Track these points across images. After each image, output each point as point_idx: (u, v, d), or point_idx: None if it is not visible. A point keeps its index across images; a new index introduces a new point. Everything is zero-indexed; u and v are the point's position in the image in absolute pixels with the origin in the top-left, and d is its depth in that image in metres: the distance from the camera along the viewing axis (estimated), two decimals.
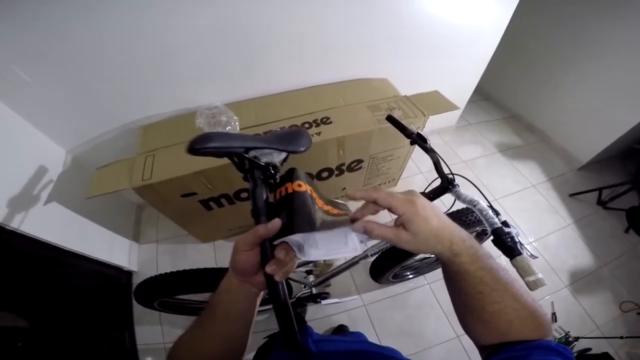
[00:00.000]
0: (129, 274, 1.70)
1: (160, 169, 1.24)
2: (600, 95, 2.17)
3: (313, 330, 0.74)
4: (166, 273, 1.06)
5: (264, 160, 0.52)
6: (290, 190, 0.47)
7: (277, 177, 0.52)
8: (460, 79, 2.19)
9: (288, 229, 0.42)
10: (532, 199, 2.21)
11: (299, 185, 0.48)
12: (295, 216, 0.44)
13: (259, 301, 0.47)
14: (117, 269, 1.62)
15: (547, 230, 2.03)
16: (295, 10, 1.36)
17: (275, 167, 0.52)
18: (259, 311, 0.50)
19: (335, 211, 0.53)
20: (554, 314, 1.66)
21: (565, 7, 2.21)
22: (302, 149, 0.58)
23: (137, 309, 1.57)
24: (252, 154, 0.51)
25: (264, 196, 0.48)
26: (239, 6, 1.26)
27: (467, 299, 0.41)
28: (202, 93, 1.52)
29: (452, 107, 1.55)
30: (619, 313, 1.69)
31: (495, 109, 3.00)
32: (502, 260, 0.52)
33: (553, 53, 2.39)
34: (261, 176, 0.50)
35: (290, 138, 0.58)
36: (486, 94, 3.10)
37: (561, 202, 2.21)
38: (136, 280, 1.62)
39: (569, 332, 1.58)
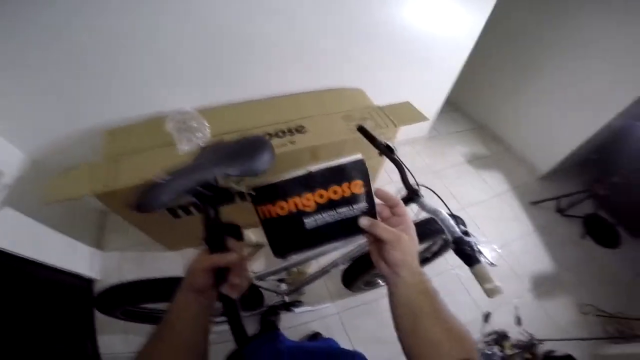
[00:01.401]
0: (90, 281, 1.61)
1: (124, 174, 1.19)
2: (560, 105, 2.30)
3: (285, 337, 0.75)
4: (129, 281, 1.02)
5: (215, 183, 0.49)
6: (273, 215, 0.47)
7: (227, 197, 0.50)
8: (432, 90, 2.27)
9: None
10: (498, 207, 2.32)
11: (281, 208, 0.47)
12: (275, 242, 0.49)
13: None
14: (77, 277, 1.54)
15: (511, 238, 2.13)
16: (271, 16, 1.36)
17: (227, 192, 0.49)
18: (223, 322, 0.51)
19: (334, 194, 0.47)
20: (518, 317, 1.74)
21: (527, 16, 2.33)
22: (261, 170, 0.52)
23: (100, 317, 1.50)
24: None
25: (217, 224, 0.47)
26: (215, 8, 1.25)
27: (407, 320, 0.45)
28: (173, 97, 1.48)
29: (422, 118, 1.60)
30: (579, 316, 1.79)
31: (465, 120, 3.13)
32: (463, 268, 0.55)
33: (516, 63, 2.51)
34: (213, 203, 0.48)
35: (247, 153, 0.52)
36: (456, 105, 3.22)
37: (524, 210, 2.33)
38: (99, 289, 1.55)
39: (533, 334, 1.66)
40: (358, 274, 1.34)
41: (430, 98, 2.33)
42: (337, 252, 1.04)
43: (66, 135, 1.44)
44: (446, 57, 2.02)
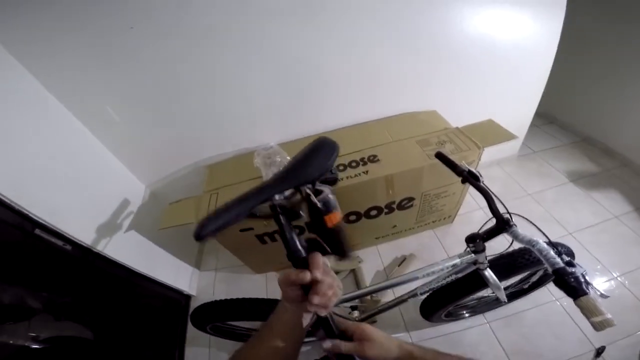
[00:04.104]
0: (188, 297, 1.84)
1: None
2: None
3: None
4: (222, 300, 1.14)
5: (284, 202, 0.50)
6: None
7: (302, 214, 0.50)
8: (517, 104, 2.04)
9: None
10: (615, 231, 1.92)
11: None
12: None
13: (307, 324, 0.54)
14: (178, 292, 1.76)
15: (636, 264, 1.73)
16: (341, 49, 1.43)
17: (296, 210, 0.49)
18: (305, 342, 0.55)
19: None
20: None
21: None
22: (316, 175, 0.50)
23: (190, 330, 1.67)
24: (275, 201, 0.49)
25: (294, 239, 0.49)
26: (291, 50, 1.39)
27: None
28: (259, 133, 1.66)
29: (509, 136, 1.46)
30: None
31: (563, 133, 2.73)
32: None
33: (626, 58, 2.08)
34: (287, 221, 0.49)
35: (304, 163, 0.51)
36: (550, 117, 2.85)
37: None
38: (193, 304, 1.74)
39: None
40: (439, 306, 1.26)
41: (516, 112, 2.10)
42: (416, 282, 1.00)
43: (176, 169, 1.73)
44: (527, 65, 1.79)
